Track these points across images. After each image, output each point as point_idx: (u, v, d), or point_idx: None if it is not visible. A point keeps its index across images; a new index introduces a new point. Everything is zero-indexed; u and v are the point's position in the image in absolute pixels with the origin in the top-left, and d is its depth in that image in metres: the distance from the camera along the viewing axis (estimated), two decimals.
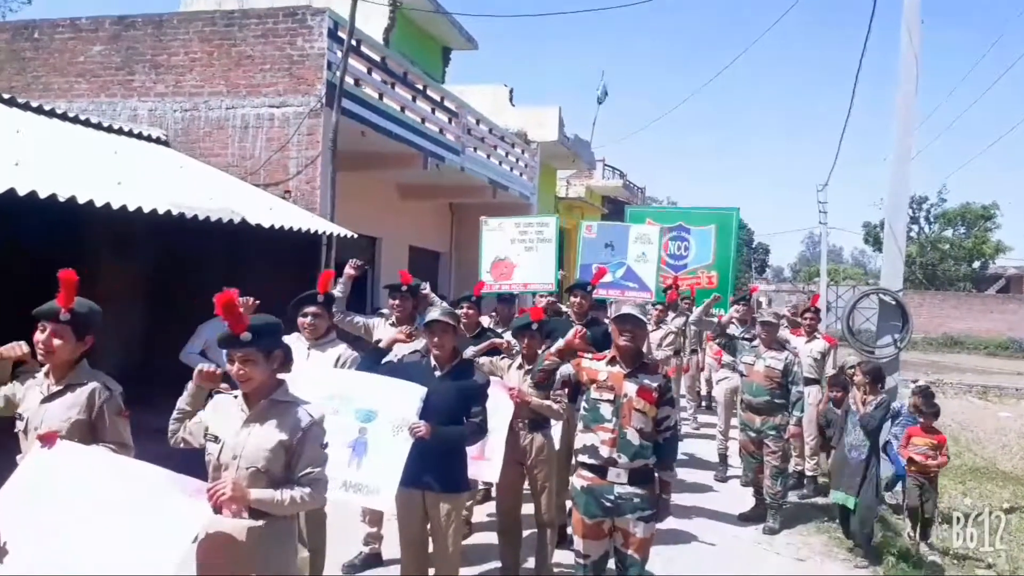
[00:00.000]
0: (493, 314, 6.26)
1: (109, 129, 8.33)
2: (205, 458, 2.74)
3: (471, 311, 5.39)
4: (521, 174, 15.59)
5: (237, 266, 8.07)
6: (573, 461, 3.88)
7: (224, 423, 2.75)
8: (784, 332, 7.74)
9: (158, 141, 8.90)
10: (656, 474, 3.74)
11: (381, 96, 9.85)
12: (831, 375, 7.32)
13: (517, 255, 7.05)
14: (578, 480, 3.77)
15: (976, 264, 45.96)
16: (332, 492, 3.41)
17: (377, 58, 9.88)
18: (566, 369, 3.81)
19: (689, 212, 9.88)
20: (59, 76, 9.53)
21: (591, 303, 5.70)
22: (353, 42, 9.22)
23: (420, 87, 11.03)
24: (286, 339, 4.23)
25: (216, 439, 2.72)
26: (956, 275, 44.42)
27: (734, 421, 7.82)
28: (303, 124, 8.62)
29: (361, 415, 3.61)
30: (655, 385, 3.71)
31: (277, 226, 7.03)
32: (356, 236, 8.31)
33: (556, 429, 4.72)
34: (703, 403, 11.67)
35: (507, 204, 14.22)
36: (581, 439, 3.75)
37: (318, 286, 4.41)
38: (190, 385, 2.87)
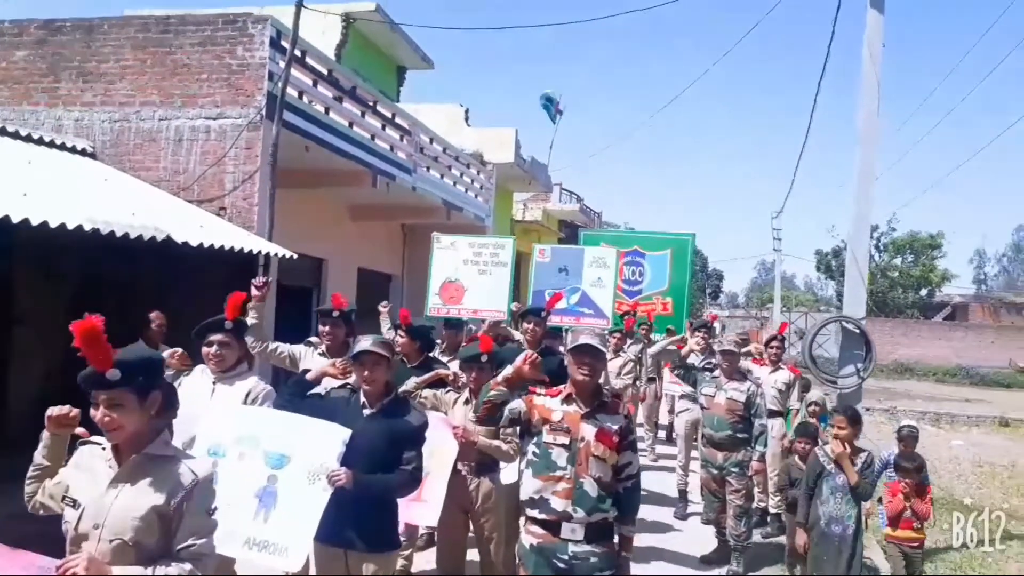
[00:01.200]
0: (439, 341, 5.80)
1: (28, 139, 7.71)
2: (62, 527, 2.21)
3: (402, 340, 4.91)
4: (476, 195, 15.20)
5: (167, 287, 7.55)
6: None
7: (86, 483, 2.20)
8: (745, 362, 7.42)
9: (83, 153, 8.30)
10: (616, 529, 3.30)
11: (327, 110, 9.39)
12: (799, 423, 6.52)
13: (469, 278, 6.58)
14: (527, 537, 3.30)
15: (923, 292, 46.86)
16: (234, 550, 2.93)
17: (324, 71, 9.43)
18: (516, 405, 3.36)
19: (645, 237, 9.59)
20: None
21: (545, 331, 5.27)
22: (297, 53, 8.79)
23: (370, 102, 10.59)
24: (188, 373, 3.80)
25: (75, 503, 2.17)
26: (905, 303, 45.18)
27: (695, 454, 7.47)
28: (241, 137, 8.11)
29: (272, 460, 3.12)
30: (616, 428, 3.28)
31: (207, 244, 6.51)
32: (296, 256, 7.79)
33: (508, 472, 4.23)
34: (660, 433, 11.32)
35: (461, 226, 13.78)
36: (530, 489, 3.29)
37: (226, 310, 3.85)
38: (44, 433, 2.36)
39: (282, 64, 8.10)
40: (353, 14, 15.36)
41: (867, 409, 11.19)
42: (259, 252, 7.31)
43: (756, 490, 6.93)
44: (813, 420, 6.80)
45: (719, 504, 6.06)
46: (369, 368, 3.30)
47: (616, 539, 3.31)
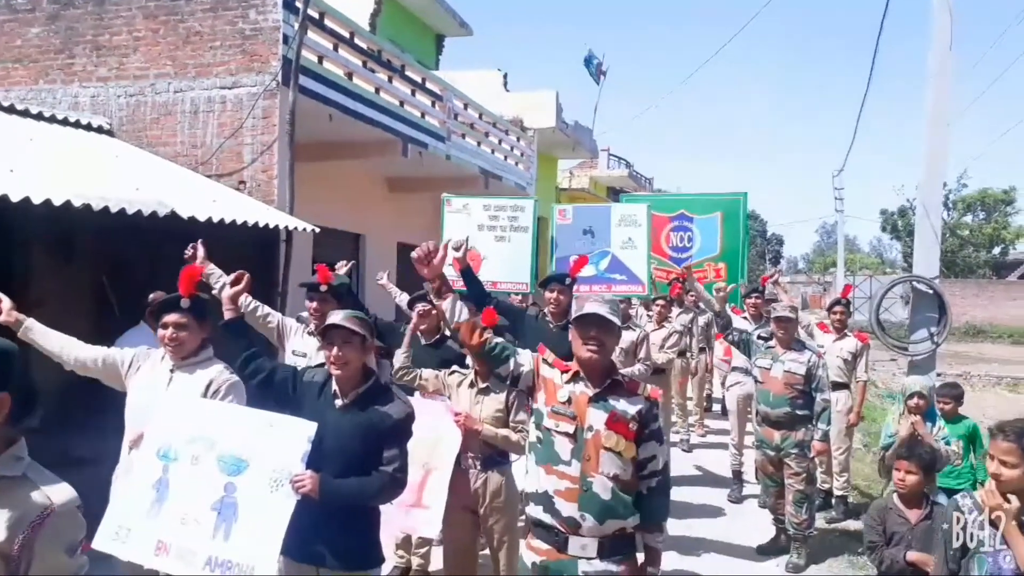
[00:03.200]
0: None
1: (40, 117, 7.42)
2: None
3: (424, 311, 4.41)
4: (517, 163, 14.60)
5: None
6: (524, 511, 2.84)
7: None
8: (810, 327, 6.73)
9: (99, 130, 7.99)
10: (639, 539, 2.73)
11: (351, 76, 8.90)
12: (892, 443, 4.88)
13: (485, 245, 5.84)
14: (528, 553, 2.74)
15: (996, 251, 44.65)
16: (195, 572, 2.49)
17: (345, 33, 8.93)
18: (525, 360, 2.79)
19: (691, 199, 8.71)
20: None
21: (571, 299, 4.69)
22: (315, 14, 8.32)
23: (398, 67, 10.06)
24: (144, 354, 3.31)
25: None
26: (976, 262, 43.09)
27: (749, 429, 6.86)
28: (257, 106, 7.68)
29: (228, 466, 2.65)
30: (633, 412, 2.67)
31: (216, 219, 6.11)
32: (316, 230, 7.36)
33: (520, 464, 3.70)
34: (712, 407, 10.69)
35: (503, 195, 13.21)
36: (533, 481, 2.73)
37: (180, 286, 3.32)
38: None
39: (296, 26, 7.61)
40: None
41: (938, 374, 10.32)
42: (277, 226, 6.88)
43: (819, 471, 6.31)
44: (916, 423, 4.86)
45: (777, 489, 5.45)
46: (339, 346, 2.76)
47: (640, 553, 2.73)
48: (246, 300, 4.09)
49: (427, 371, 3.83)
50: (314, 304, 4.05)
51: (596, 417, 2.66)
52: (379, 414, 2.79)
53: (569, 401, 2.69)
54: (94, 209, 5.10)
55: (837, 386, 6.35)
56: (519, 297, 5.61)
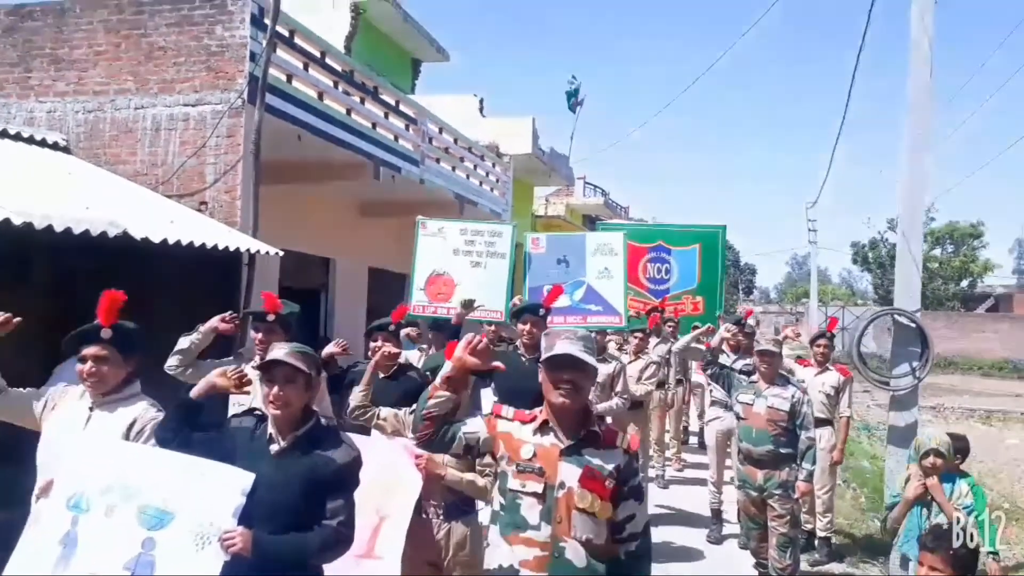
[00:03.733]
0: (422, 348, 5.00)
1: (2, 134, 7.06)
2: None
3: (387, 343, 4.10)
4: (492, 189, 14.40)
5: (147, 291, 6.86)
6: None
7: None
8: (789, 362, 6.52)
9: (55, 147, 7.63)
10: None
11: (321, 96, 8.65)
12: (919, 530, 3.86)
13: (460, 270, 5.58)
14: None
15: (964, 283, 45.25)
16: None
17: (316, 52, 8.69)
18: (474, 428, 2.49)
19: (670, 230, 8.49)
20: None
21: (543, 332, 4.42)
22: (285, 32, 8.08)
23: (370, 87, 9.83)
24: (61, 391, 2.94)
25: None
26: (945, 295, 43.61)
27: (728, 465, 6.61)
28: (221, 124, 7.38)
29: (148, 518, 2.33)
30: (610, 467, 2.40)
31: (172, 241, 5.79)
32: (280, 253, 7.05)
33: (486, 513, 3.39)
34: (689, 440, 10.45)
35: (480, 220, 12.96)
36: (495, 555, 2.42)
37: (99, 314, 2.91)
38: None
39: (264, 43, 7.35)
40: (362, 4, 14.73)
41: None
42: (238, 249, 6.56)
43: (803, 510, 6.06)
44: (933, 487, 3.92)
45: (759, 531, 5.18)
46: (280, 385, 2.46)
47: None
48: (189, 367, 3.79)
49: (385, 410, 3.52)
50: (260, 335, 3.70)
51: (568, 473, 2.37)
52: (321, 459, 2.48)
53: (535, 456, 2.40)
54: (36, 228, 4.77)
55: (819, 422, 6.12)
56: (492, 327, 5.33)
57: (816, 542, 6.30)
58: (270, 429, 2.53)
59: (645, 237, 8.04)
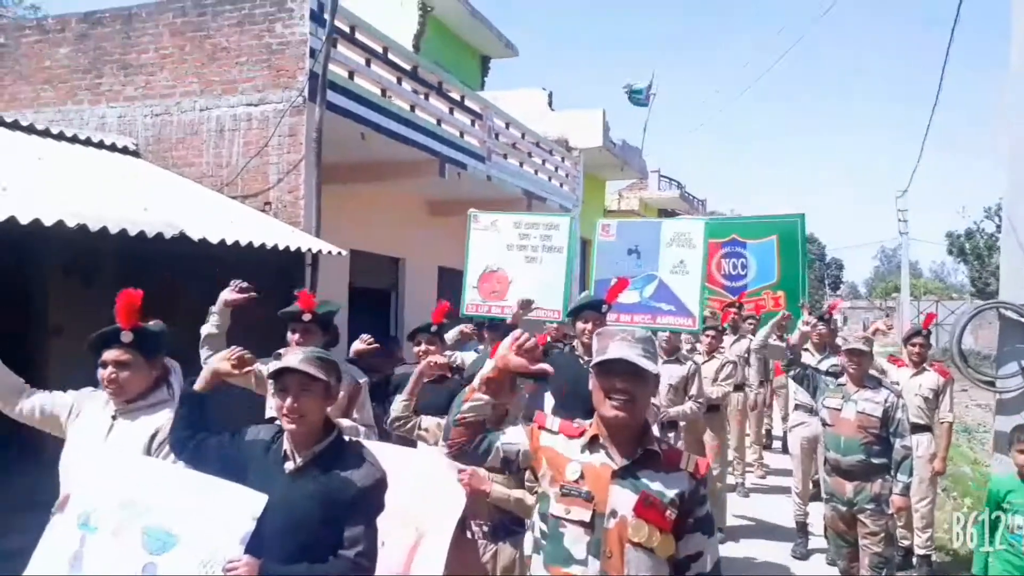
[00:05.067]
0: (479, 348, 4.72)
1: (61, 137, 7.18)
2: None
3: (430, 346, 3.84)
4: (562, 184, 14.07)
5: (209, 293, 6.87)
6: None
7: None
8: (881, 360, 6.00)
9: (125, 151, 7.72)
10: None
11: (384, 93, 8.51)
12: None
13: (515, 266, 5.27)
14: None
15: None
16: None
17: (379, 48, 8.55)
18: (514, 439, 2.18)
19: (744, 223, 7.94)
20: (26, 84, 8.49)
21: None
22: (346, 28, 7.97)
23: (434, 83, 9.65)
24: (87, 395, 2.84)
25: None
26: None
27: (814, 474, 6.14)
28: (283, 123, 7.31)
29: (153, 541, 2.12)
30: (672, 494, 2.03)
31: (230, 241, 5.71)
32: (343, 253, 6.91)
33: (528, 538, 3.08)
34: (772, 444, 9.90)
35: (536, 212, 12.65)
36: None
37: (118, 316, 2.72)
38: None
39: (324, 39, 7.24)
40: (429, 2, 14.64)
41: None
42: (300, 249, 6.44)
43: (898, 525, 5.55)
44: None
45: (850, 550, 4.70)
46: (294, 396, 2.22)
47: None
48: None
49: (427, 419, 3.26)
50: (296, 336, 3.51)
51: (621, 499, 2.02)
52: (340, 480, 2.21)
53: (582, 477, 2.05)
54: (91, 230, 4.71)
55: (917, 428, 5.61)
56: (552, 327, 5.01)
57: (915, 560, 5.75)
58: (286, 445, 2.29)
59: (718, 232, 7.50)
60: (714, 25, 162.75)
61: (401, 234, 11.15)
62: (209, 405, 2.44)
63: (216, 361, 2.51)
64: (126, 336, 2.74)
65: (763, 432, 9.30)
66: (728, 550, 5.97)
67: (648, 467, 2.07)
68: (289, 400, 2.23)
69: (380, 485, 2.27)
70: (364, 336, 4.00)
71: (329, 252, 6.74)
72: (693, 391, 5.56)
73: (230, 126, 7.57)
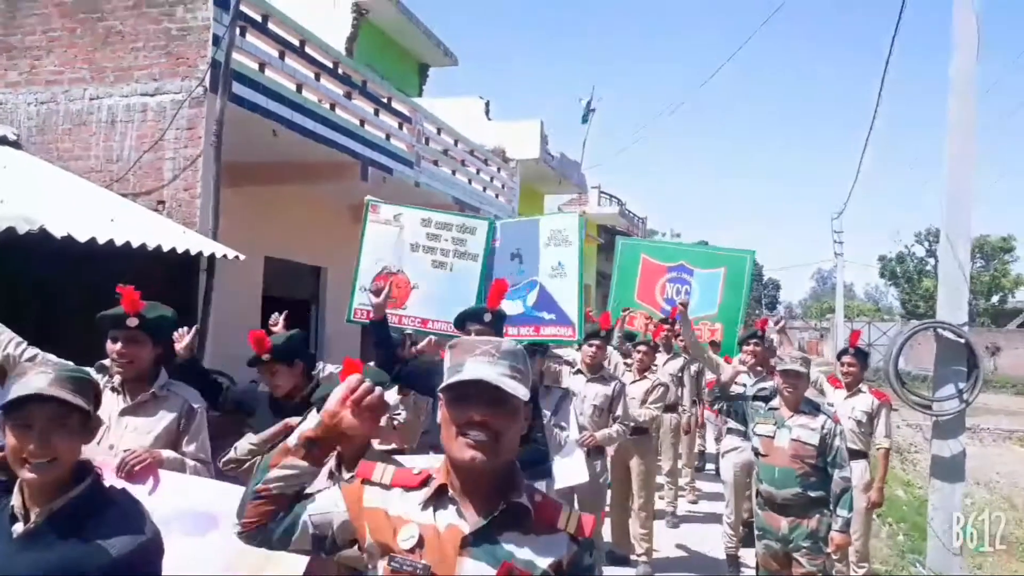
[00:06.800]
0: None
1: None
2: None
3: (274, 376, 3.21)
4: (497, 195, 13.62)
5: (96, 294, 6.17)
6: None
7: None
8: (818, 377, 5.62)
9: (4, 141, 6.94)
10: None
11: (300, 88, 7.91)
12: None
13: (418, 271, 4.57)
14: None
15: (995, 299, 43.93)
16: None
17: (295, 41, 7.96)
18: (327, 506, 1.61)
19: (694, 251, 7.83)
20: None
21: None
22: (258, 17, 7.37)
23: (357, 81, 9.08)
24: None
25: None
26: (975, 310, 42.33)
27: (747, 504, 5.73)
28: (181, 115, 6.66)
29: None
30: (545, 566, 1.50)
31: (101, 241, 5.04)
32: (241, 257, 6.27)
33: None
34: (705, 466, 9.54)
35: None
36: None
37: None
38: None
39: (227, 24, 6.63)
40: (364, 4, 14.09)
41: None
42: (188, 252, 5.79)
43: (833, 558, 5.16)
44: None
45: None
46: (41, 433, 1.64)
47: None
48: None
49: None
50: (118, 345, 2.81)
51: (474, 573, 1.50)
52: (88, 549, 1.62)
53: (420, 545, 1.52)
54: None
55: (851, 454, 5.21)
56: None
57: None
58: (14, 499, 1.68)
59: (668, 255, 7.38)
60: (658, 40, 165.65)
61: (322, 242, 10.50)
62: None
63: None
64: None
65: (695, 453, 8.92)
66: None
67: (513, 528, 1.53)
68: (35, 440, 1.63)
69: (144, 553, 1.67)
70: (181, 330, 3.41)
71: (224, 256, 6.10)
72: (618, 412, 5.12)
73: (123, 117, 6.87)
